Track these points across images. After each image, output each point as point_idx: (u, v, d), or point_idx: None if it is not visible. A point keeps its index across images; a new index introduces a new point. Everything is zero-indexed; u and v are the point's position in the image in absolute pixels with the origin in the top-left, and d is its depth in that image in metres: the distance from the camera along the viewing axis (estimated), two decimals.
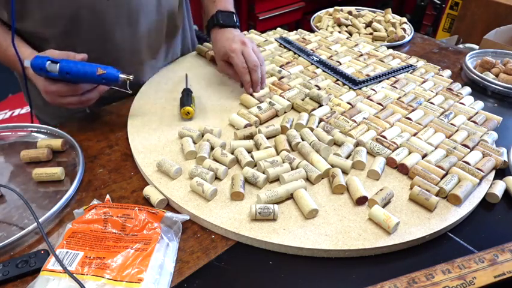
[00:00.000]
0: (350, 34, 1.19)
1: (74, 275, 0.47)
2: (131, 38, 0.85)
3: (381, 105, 0.82)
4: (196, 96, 0.84)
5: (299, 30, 1.17)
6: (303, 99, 0.83)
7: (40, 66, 0.63)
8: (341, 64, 0.97)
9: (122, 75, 0.68)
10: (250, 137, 0.73)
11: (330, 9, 1.32)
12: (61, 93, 0.68)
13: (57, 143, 0.70)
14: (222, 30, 0.85)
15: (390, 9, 1.27)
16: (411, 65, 0.97)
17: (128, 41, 0.84)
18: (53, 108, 0.89)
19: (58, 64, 0.63)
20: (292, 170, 0.65)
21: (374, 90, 0.87)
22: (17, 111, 2.29)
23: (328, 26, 1.22)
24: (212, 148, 0.70)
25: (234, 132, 0.73)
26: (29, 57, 0.66)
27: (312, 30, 1.19)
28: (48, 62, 0.63)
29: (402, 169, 0.66)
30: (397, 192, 0.63)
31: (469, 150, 0.70)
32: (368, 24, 1.22)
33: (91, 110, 0.84)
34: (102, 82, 0.68)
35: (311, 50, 1.03)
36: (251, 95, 0.83)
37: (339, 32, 1.18)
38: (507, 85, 0.92)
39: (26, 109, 2.30)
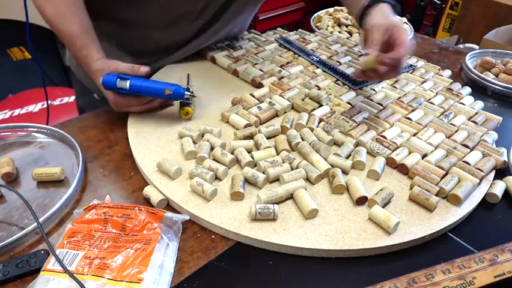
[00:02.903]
0: (350, 34, 1.19)
1: (74, 275, 0.47)
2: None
3: (381, 105, 0.82)
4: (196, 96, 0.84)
5: (299, 30, 1.17)
6: (303, 99, 0.83)
7: (112, 85, 0.69)
8: (341, 64, 0.97)
9: (187, 93, 0.72)
10: (250, 137, 0.73)
11: (330, 9, 1.32)
12: (129, 104, 0.75)
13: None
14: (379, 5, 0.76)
15: None
16: (411, 65, 0.97)
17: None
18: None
19: (128, 82, 0.69)
20: (292, 170, 0.65)
21: (374, 90, 0.87)
22: (17, 111, 2.29)
23: (328, 26, 1.23)
24: (212, 148, 0.70)
25: (234, 132, 0.73)
26: (97, 64, 0.71)
27: (312, 30, 1.19)
28: (118, 79, 0.69)
29: (402, 169, 0.66)
30: (397, 192, 0.63)
31: (469, 150, 0.70)
32: None
33: (92, 110, 0.84)
34: (168, 99, 0.74)
35: (311, 50, 1.03)
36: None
37: (339, 32, 1.18)
38: (507, 85, 0.92)
39: (26, 109, 2.30)
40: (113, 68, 0.71)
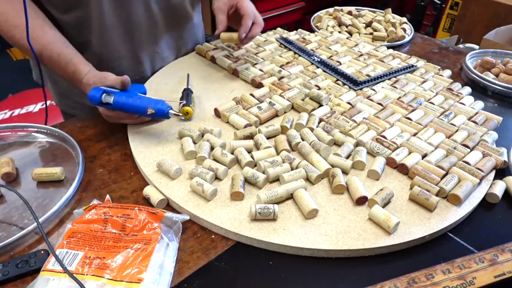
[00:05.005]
0: (350, 34, 1.19)
1: (74, 275, 0.47)
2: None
3: (381, 105, 0.82)
4: (196, 96, 0.84)
5: (299, 30, 1.17)
6: (303, 99, 0.83)
7: (96, 101, 0.68)
8: (341, 64, 0.97)
9: (172, 111, 0.69)
10: (250, 137, 0.73)
11: (330, 9, 1.32)
12: (119, 118, 0.73)
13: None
14: None
15: (390, 9, 1.27)
16: (411, 65, 0.97)
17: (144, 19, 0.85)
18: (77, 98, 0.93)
19: (113, 97, 0.68)
20: (292, 170, 0.65)
21: (374, 90, 0.87)
22: (17, 111, 2.29)
23: (328, 26, 1.23)
24: (212, 148, 0.70)
25: (234, 132, 0.73)
26: (87, 77, 0.71)
27: (312, 30, 1.19)
28: (104, 94, 0.68)
29: (402, 169, 0.66)
30: (397, 192, 0.63)
31: (469, 150, 0.70)
32: (368, 24, 1.22)
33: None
34: (152, 118, 0.73)
35: (311, 50, 1.03)
36: (240, 41, 0.85)
37: (339, 32, 1.18)
38: (507, 85, 0.92)
39: (26, 109, 2.30)
40: (101, 82, 0.69)
